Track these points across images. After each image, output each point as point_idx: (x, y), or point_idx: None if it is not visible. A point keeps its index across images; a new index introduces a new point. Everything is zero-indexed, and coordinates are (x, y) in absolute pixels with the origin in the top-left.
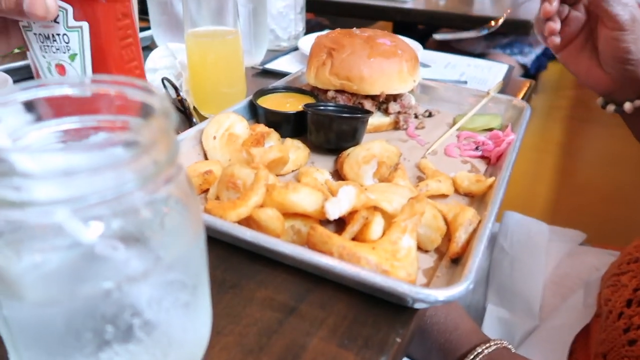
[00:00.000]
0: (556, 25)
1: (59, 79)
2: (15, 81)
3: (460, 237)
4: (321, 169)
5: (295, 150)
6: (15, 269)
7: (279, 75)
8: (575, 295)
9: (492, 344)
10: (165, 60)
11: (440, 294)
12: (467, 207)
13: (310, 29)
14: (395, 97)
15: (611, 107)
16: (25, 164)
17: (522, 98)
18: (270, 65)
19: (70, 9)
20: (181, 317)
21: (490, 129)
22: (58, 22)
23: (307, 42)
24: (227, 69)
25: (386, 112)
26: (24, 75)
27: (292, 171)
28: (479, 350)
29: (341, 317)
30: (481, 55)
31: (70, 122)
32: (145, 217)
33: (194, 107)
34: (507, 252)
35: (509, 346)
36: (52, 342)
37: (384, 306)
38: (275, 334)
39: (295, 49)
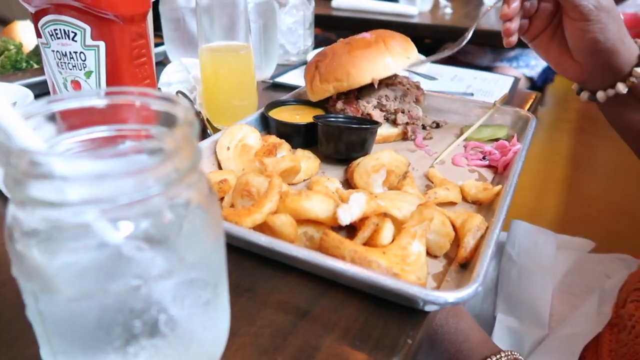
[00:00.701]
0: (512, 25)
1: (88, 92)
2: (35, 96)
3: (469, 242)
4: (331, 178)
5: (306, 160)
6: (50, 266)
7: (289, 88)
8: (586, 304)
9: (502, 355)
10: (179, 75)
11: (449, 296)
12: (474, 214)
13: (318, 43)
14: (391, 82)
15: (585, 95)
16: (59, 167)
17: (528, 109)
18: (280, 79)
19: (88, 29)
20: (202, 314)
21: (497, 139)
22: (76, 41)
23: None
24: (240, 83)
25: (394, 123)
26: (42, 90)
27: (304, 180)
28: (498, 357)
29: (353, 320)
30: (488, 69)
31: (98, 131)
32: (169, 219)
33: (207, 119)
34: (515, 261)
35: (520, 357)
36: (84, 335)
37: (394, 309)
38: (289, 336)
39: (304, 63)
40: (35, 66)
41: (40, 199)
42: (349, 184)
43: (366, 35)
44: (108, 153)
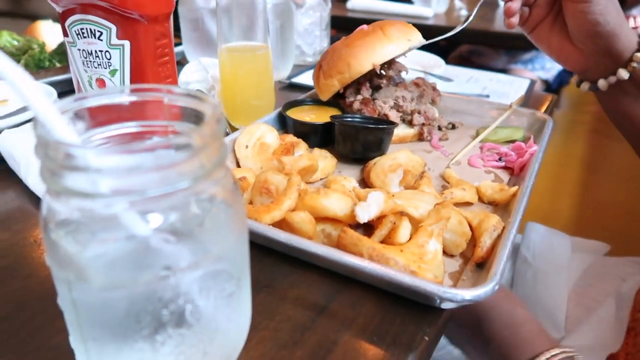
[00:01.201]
0: (514, 4)
1: (117, 89)
2: (58, 94)
3: (485, 242)
4: (348, 177)
5: (323, 160)
6: (82, 255)
7: (305, 88)
8: (603, 307)
9: (563, 351)
10: (198, 75)
11: (467, 294)
12: (491, 214)
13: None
14: (394, 65)
15: (585, 86)
16: (92, 160)
17: (544, 112)
18: (297, 80)
19: (114, 28)
20: (226, 306)
21: (513, 141)
22: (101, 40)
23: None
24: (258, 83)
25: (411, 123)
26: (64, 88)
27: (320, 179)
28: (555, 353)
29: (370, 316)
30: (502, 71)
31: (127, 127)
32: (195, 213)
33: (225, 118)
34: (530, 263)
35: (579, 356)
36: (114, 323)
37: (411, 306)
38: (307, 331)
39: None
40: (58, 65)
41: (74, 190)
42: (365, 183)
43: (364, 26)
44: (138, 147)
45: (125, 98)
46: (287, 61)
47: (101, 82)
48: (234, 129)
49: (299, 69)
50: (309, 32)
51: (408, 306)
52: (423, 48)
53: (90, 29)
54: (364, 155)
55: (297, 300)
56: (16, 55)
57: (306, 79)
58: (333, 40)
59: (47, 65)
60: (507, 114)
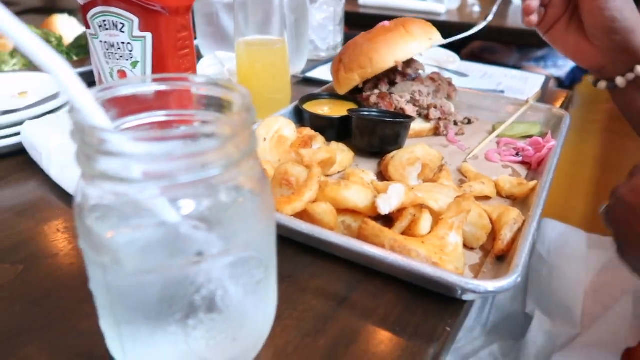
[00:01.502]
0: (533, 3)
1: (146, 77)
2: None
3: (506, 235)
4: (366, 170)
5: (341, 153)
6: (115, 239)
7: (319, 83)
8: (619, 304)
9: None
10: (214, 68)
11: (489, 285)
12: (511, 207)
13: (346, 40)
14: (414, 64)
15: (602, 84)
16: (126, 145)
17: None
18: (311, 74)
19: (136, 20)
20: (255, 293)
21: (529, 136)
22: (124, 32)
23: None
24: (274, 76)
25: (427, 118)
26: (84, 80)
27: (338, 172)
28: None
29: (391, 307)
30: (514, 68)
31: (157, 116)
32: (225, 201)
33: None
34: (546, 259)
35: None
36: (147, 307)
37: (432, 298)
38: (330, 320)
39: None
40: (75, 58)
41: (107, 174)
42: (382, 176)
43: (385, 23)
44: (171, 134)
45: (154, 87)
46: (301, 56)
47: (122, 74)
48: None
49: (313, 63)
50: (323, 27)
51: (429, 297)
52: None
53: (113, 21)
54: (381, 148)
55: (318, 290)
56: None
57: (320, 73)
58: (347, 36)
59: (65, 59)
60: (524, 109)
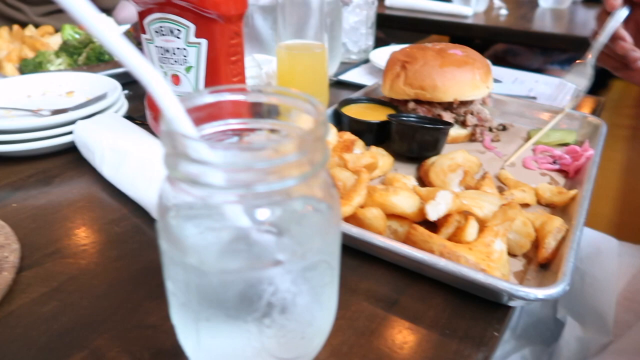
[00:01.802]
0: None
1: (233, 87)
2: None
3: (550, 243)
4: (406, 175)
5: (381, 157)
6: (196, 240)
7: (352, 86)
8: None
9: None
10: (252, 71)
11: (539, 292)
12: (553, 216)
13: (377, 44)
14: (466, 104)
15: None
16: (209, 153)
17: (592, 114)
18: (343, 77)
19: (192, 27)
20: (323, 294)
21: (565, 144)
22: (179, 38)
23: (378, 55)
24: (314, 80)
25: (464, 124)
26: (123, 80)
27: (379, 177)
28: None
29: (440, 310)
30: (538, 71)
31: (236, 124)
32: (298, 209)
33: None
34: (577, 266)
35: None
36: (226, 305)
37: (478, 303)
38: (382, 321)
39: (366, 61)
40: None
41: (190, 178)
42: (421, 181)
43: (457, 52)
44: (252, 146)
45: (230, 97)
46: (334, 59)
47: (176, 78)
48: None
49: (345, 66)
50: (355, 29)
51: (475, 302)
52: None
53: (170, 28)
54: (419, 154)
55: (368, 292)
56: (79, 48)
57: (352, 76)
58: (377, 39)
59: (107, 59)
60: (560, 117)
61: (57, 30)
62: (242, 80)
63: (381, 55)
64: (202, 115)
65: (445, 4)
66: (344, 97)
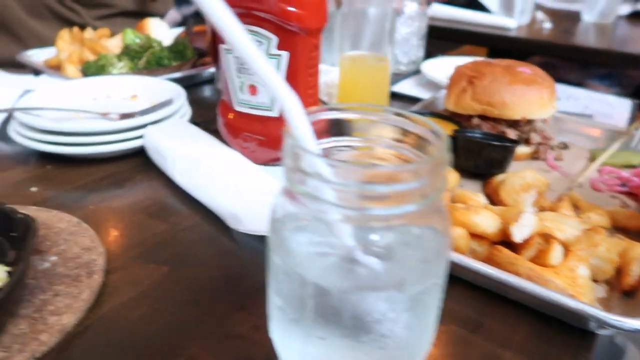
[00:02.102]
0: None
1: (353, 105)
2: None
3: (635, 270)
4: (475, 193)
5: (449, 174)
6: (311, 255)
7: (403, 97)
8: None
9: None
10: None
11: (636, 323)
12: (636, 242)
13: (427, 55)
14: (530, 122)
15: None
16: (328, 170)
17: None
18: (395, 88)
19: (275, 39)
20: (432, 315)
21: (631, 166)
22: (260, 49)
23: (430, 67)
24: (376, 93)
25: (527, 142)
26: (181, 84)
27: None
28: None
29: (527, 334)
30: (578, 85)
31: (351, 141)
32: (414, 234)
33: None
34: None
35: None
36: (346, 324)
37: (564, 329)
38: (469, 344)
39: (415, 72)
40: (174, 63)
41: (308, 193)
42: (489, 199)
43: (526, 70)
44: (373, 170)
45: (353, 115)
46: None
47: (253, 89)
48: None
49: (395, 77)
50: (406, 40)
51: (561, 328)
52: (495, 57)
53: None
54: (486, 171)
55: (451, 312)
56: (140, 52)
57: (403, 88)
58: (427, 50)
59: (165, 64)
60: (627, 138)
61: (112, 34)
62: (316, 93)
63: (433, 67)
64: (318, 128)
65: (489, 16)
66: (400, 107)
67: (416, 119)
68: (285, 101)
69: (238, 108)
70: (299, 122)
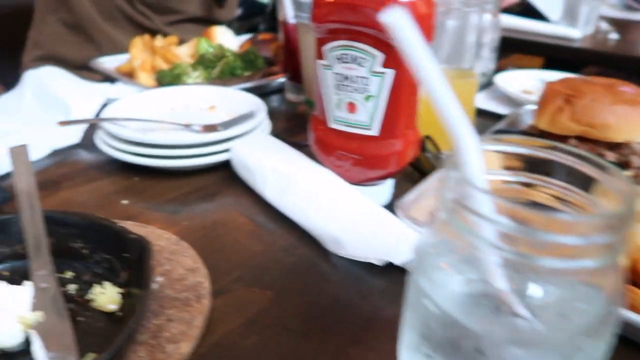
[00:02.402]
0: None
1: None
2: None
3: None
4: None
5: None
6: (458, 287)
7: (485, 113)
8: None
9: None
10: None
11: None
12: None
13: (499, 69)
14: (629, 145)
15: None
16: (490, 210)
17: None
18: None
19: (381, 57)
20: None
21: None
22: (363, 67)
23: (504, 80)
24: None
25: (626, 165)
26: (254, 94)
27: None
28: None
29: None
30: None
31: (527, 178)
32: (574, 293)
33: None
34: None
35: None
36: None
37: None
38: None
39: (488, 85)
40: (246, 73)
41: (465, 228)
42: None
43: (628, 90)
44: (544, 213)
45: (536, 153)
46: None
47: (351, 106)
48: (438, 149)
49: None
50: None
51: None
52: (552, 67)
53: (353, 56)
54: None
55: None
56: (214, 62)
57: (479, 102)
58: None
59: (239, 73)
60: None
61: (181, 41)
62: (415, 113)
63: (507, 81)
64: None
65: (552, 26)
66: (480, 124)
67: (601, 163)
68: (461, 135)
69: (333, 125)
70: (473, 160)
